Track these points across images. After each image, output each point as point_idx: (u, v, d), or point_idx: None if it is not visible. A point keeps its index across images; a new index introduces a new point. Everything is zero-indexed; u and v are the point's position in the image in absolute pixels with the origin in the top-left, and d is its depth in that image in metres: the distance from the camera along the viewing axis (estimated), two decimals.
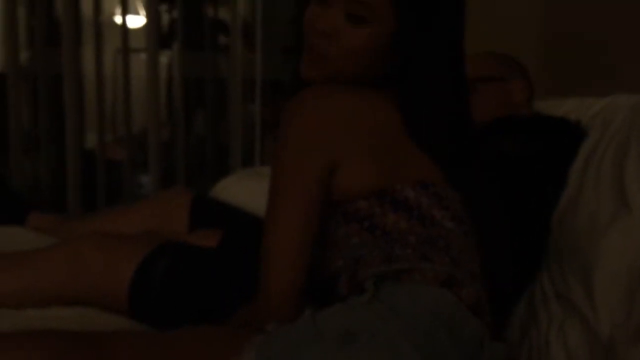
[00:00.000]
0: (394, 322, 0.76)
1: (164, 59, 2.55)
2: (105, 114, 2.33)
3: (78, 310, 1.09)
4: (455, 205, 0.87)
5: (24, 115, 2.25)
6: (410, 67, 0.89)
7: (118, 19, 2.43)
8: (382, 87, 0.90)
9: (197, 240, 1.24)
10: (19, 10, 2.12)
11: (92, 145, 2.38)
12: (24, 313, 1.05)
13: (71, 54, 2.05)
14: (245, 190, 1.57)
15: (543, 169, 1.13)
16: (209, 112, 2.57)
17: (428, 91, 0.90)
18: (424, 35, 0.88)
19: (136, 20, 2.82)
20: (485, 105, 1.32)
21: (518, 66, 1.43)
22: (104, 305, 1.09)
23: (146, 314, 1.07)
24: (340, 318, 0.79)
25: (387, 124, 0.88)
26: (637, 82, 1.35)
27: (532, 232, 1.07)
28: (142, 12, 2.56)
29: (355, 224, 0.86)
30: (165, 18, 2.65)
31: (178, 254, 1.11)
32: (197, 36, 2.51)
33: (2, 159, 2.16)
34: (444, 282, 0.80)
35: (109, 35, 2.39)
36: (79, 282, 1.10)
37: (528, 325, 0.98)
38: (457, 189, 0.89)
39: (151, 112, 2.17)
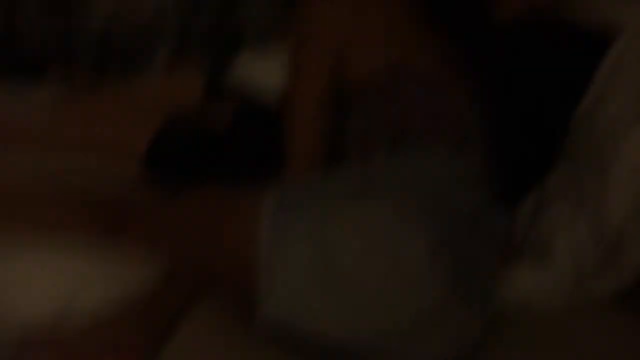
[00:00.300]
0: (407, 179, 0.79)
1: None
2: None
3: (93, 160, 1.11)
4: (467, 83, 0.90)
5: None
6: None
7: None
8: None
9: (212, 111, 1.24)
10: None
11: None
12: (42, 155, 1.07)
13: None
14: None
15: (566, 78, 1.11)
16: None
17: None
18: None
19: None
20: (508, 3, 1.27)
21: None
22: (117, 157, 1.12)
23: (160, 175, 1.10)
24: (353, 173, 0.83)
25: (401, 5, 0.90)
26: None
27: (550, 126, 1.07)
28: None
29: (364, 99, 0.90)
30: None
31: (195, 121, 1.13)
32: None
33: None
34: (454, 149, 0.84)
35: None
36: (101, 135, 1.12)
37: (537, 216, 1.00)
38: (474, 78, 0.90)
39: None
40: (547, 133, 1.09)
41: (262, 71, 1.53)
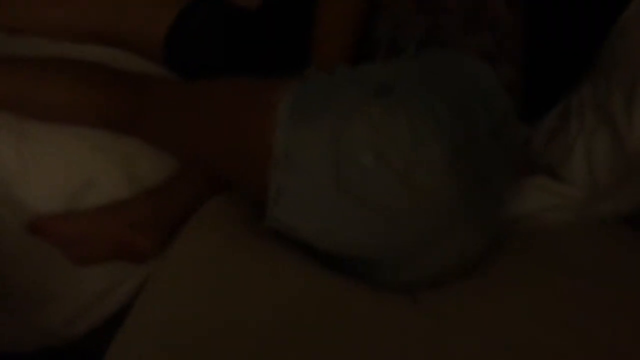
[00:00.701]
0: (431, 81, 0.77)
1: None
2: None
3: (114, 51, 1.09)
4: None
5: None
6: None
7: None
8: None
9: None
10: None
11: None
12: (60, 45, 1.05)
13: None
14: None
15: None
16: None
17: None
18: None
19: None
20: None
21: None
22: (141, 49, 1.09)
23: (180, 62, 1.07)
24: (378, 70, 0.80)
25: None
26: None
27: (588, 33, 1.02)
28: None
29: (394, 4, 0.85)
30: None
31: (218, 8, 1.08)
32: None
33: None
34: (484, 57, 0.80)
35: None
36: (122, 23, 1.08)
37: (557, 130, 0.98)
38: None
39: None
40: (582, 46, 1.04)
41: None
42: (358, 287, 0.76)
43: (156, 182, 0.93)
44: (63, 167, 0.90)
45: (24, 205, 0.87)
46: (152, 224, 0.89)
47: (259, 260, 0.78)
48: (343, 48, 0.86)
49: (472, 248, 0.79)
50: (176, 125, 0.88)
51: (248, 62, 1.04)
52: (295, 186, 0.73)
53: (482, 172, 0.78)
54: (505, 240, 0.87)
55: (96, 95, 0.92)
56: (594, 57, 1.01)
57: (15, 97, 0.93)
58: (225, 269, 0.77)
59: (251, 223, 0.82)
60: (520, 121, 0.83)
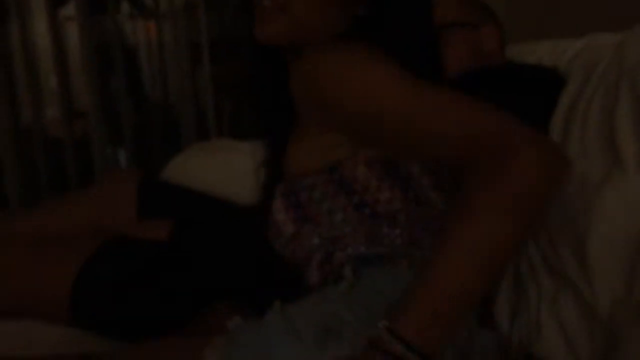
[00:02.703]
0: (378, 314, 0.66)
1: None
2: (41, 88, 2.15)
3: (24, 324, 0.99)
4: (449, 184, 0.79)
5: None
6: (381, 13, 0.80)
7: None
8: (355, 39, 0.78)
9: (146, 232, 1.12)
10: None
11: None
12: None
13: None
14: (199, 168, 1.43)
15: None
16: (156, 80, 2.39)
17: (400, 40, 0.81)
18: None
19: None
20: (455, 54, 1.20)
21: (487, 11, 1.30)
22: (45, 315, 0.98)
23: (91, 321, 0.96)
24: (316, 313, 0.69)
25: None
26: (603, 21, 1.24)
27: None
28: None
29: (344, 197, 0.77)
30: None
31: (123, 253, 0.99)
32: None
33: None
34: None
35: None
36: (14, 293, 0.99)
37: (517, 304, 0.89)
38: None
39: (89, 82, 2.00)
40: None
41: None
42: None
43: None
44: None
45: None
46: None
47: None
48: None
49: None
50: None
51: (167, 303, 0.94)
52: None
53: None
54: None
55: None
56: None
57: None
58: None
59: None
60: (483, 326, 0.74)
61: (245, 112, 2.24)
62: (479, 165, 0.61)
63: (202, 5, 2.11)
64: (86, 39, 1.95)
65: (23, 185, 1.99)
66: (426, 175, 0.77)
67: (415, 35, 0.83)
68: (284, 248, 0.85)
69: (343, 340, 0.64)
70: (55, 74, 2.11)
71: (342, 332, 0.65)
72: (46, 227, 1.23)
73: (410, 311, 0.58)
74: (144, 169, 1.51)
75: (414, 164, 0.77)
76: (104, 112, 2.08)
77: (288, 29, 0.77)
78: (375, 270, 0.71)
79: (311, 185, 0.79)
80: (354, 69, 0.71)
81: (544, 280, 0.86)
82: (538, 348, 0.82)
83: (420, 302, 0.58)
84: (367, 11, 0.79)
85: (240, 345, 0.67)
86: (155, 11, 2.30)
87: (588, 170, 0.85)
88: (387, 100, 0.68)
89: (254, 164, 1.00)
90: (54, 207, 1.33)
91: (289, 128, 0.86)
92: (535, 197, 0.59)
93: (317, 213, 0.79)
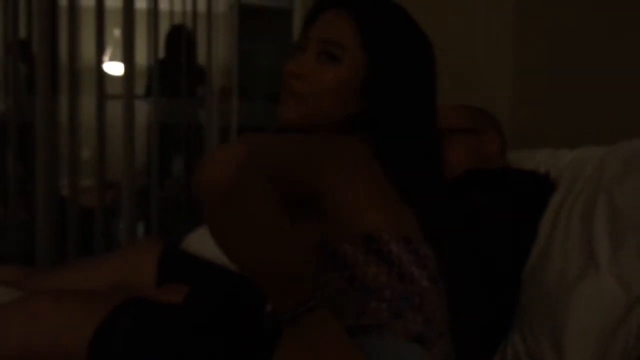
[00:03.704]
0: None
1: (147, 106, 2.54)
2: (79, 160, 2.31)
3: None
4: (431, 263, 0.86)
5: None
6: (380, 111, 0.88)
7: (105, 66, 2.42)
8: (357, 133, 0.89)
9: (164, 295, 1.21)
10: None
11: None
12: None
13: (45, 100, 2.03)
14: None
15: (512, 223, 1.12)
16: (185, 159, 2.55)
17: (400, 139, 0.89)
18: (393, 78, 0.88)
19: (119, 68, 2.82)
20: (457, 157, 1.32)
21: (490, 118, 1.43)
22: None
23: None
24: None
25: (373, 171, 0.87)
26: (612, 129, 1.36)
27: (503, 286, 1.05)
28: None
29: (336, 272, 0.83)
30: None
31: (140, 313, 1.07)
32: (179, 84, 2.53)
33: None
34: (413, 338, 0.79)
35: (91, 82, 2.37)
36: (36, 343, 1.05)
37: None
38: (431, 244, 0.88)
39: (125, 158, 2.15)
40: (501, 288, 1.06)
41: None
42: None
43: None
44: None
45: None
46: None
47: None
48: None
49: None
50: None
51: None
52: None
53: None
54: None
55: None
56: (516, 301, 1.03)
57: None
58: None
59: None
60: None
61: None
62: None
63: (236, 92, 2.29)
64: (129, 118, 2.13)
65: (52, 249, 2.10)
66: (405, 253, 0.83)
67: (412, 136, 0.89)
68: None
69: None
70: (94, 147, 2.27)
71: None
72: (70, 284, 1.33)
73: None
74: (166, 239, 1.62)
75: (392, 243, 0.82)
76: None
77: (303, 117, 0.89)
78: (362, 339, 0.77)
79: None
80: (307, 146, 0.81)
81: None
82: None
83: None
84: (367, 113, 0.88)
85: None
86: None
87: (567, 269, 0.94)
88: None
89: None
90: (80, 266, 1.43)
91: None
92: None
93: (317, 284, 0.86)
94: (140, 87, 2.36)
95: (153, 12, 2.34)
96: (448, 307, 0.86)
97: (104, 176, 2.27)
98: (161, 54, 2.58)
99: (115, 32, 2.88)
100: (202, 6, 2.42)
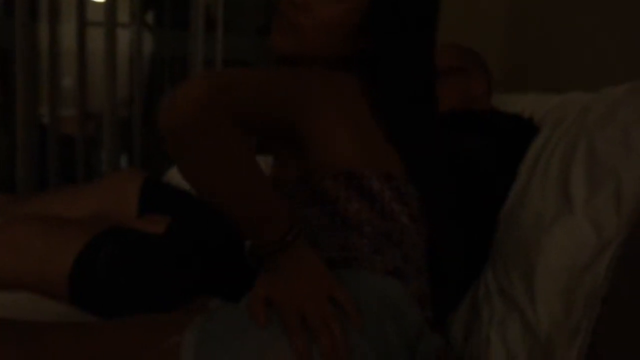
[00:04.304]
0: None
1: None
2: (60, 88, 2.26)
3: (22, 296, 1.06)
4: (414, 202, 0.87)
5: None
6: (380, 50, 0.87)
7: None
8: (350, 71, 0.88)
9: (145, 226, 1.21)
10: None
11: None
12: None
13: (23, 26, 1.97)
14: None
15: (493, 164, 1.13)
16: (168, 91, 2.51)
17: (397, 78, 0.88)
18: (395, 18, 0.86)
19: None
20: (445, 97, 1.32)
21: (479, 59, 1.42)
22: (45, 292, 1.07)
23: (87, 301, 1.04)
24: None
25: (358, 109, 0.86)
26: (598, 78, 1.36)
27: (481, 226, 1.07)
28: None
29: (318, 207, 0.84)
30: None
31: (122, 241, 1.09)
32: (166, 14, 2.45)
33: None
34: (391, 272, 0.80)
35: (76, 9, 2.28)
36: (18, 268, 1.07)
37: (471, 322, 0.98)
38: (415, 183, 0.89)
39: (106, 87, 2.11)
40: (478, 227, 1.08)
41: None
42: None
43: None
44: None
45: None
46: None
47: None
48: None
49: None
50: None
51: (158, 291, 1.03)
52: None
53: None
54: None
55: None
56: (491, 240, 1.05)
57: None
58: None
59: None
60: (433, 331, 0.82)
61: None
62: None
63: (221, 23, 2.23)
64: (111, 46, 2.07)
65: (33, 176, 2.09)
66: (387, 190, 0.84)
67: (411, 76, 0.89)
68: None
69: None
70: (74, 76, 2.22)
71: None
72: (52, 211, 1.33)
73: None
74: (148, 170, 1.61)
75: (373, 179, 0.83)
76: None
77: (298, 48, 0.87)
78: (342, 272, 0.79)
79: (290, 194, 0.87)
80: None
81: (496, 303, 0.96)
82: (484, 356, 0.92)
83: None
84: (369, 46, 0.87)
85: (217, 321, 0.75)
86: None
87: (543, 210, 0.96)
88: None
89: None
90: (62, 194, 1.43)
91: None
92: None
93: (295, 219, 0.88)
94: (124, 15, 2.29)
95: None
96: (427, 246, 0.88)
97: (86, 105, 2.23)
98: None
99: None
100: None
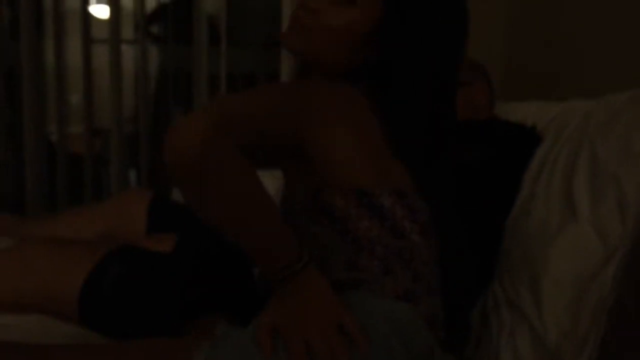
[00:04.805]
0: None
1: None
2: (68, 106, 2.29)
3: (32, 318, 1.07)
4: (423, 217, 0.86)
5: None
6: (389, 62, 0.86)
7: (92, 9, 2.36)
8: (357, 83, 0.87)
9: (153, 244, 1.22)
10: None
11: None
12: None
13: (30, 45, 2.00)
14: None
15: (497, 174, 1.13)
16: (173, 107, 2.53)
17: (405, 93, 0.87)
18: (407, 30, 0.86)
19: (105, 11, 2.74)
20: None
21: (481, 69, 1.43)
22: (54, 312, 1.07)
23: (97, 321, 1.05)
24: None
25: (366, 123, 0.85)
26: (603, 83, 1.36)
27: (487, 238, 1.07)
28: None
29: (327, 225, 0.84)
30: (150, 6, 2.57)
31: (130, 261, 1.09)
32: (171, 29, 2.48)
33: None
34: (401, 296, 0.80)
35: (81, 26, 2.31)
36: (29, 289, 1.08)
37: (481, 334, 0.98)
38: (424, 197, 0.88)
39: (113, 103, 2.13)
40: (484, 239, 1.08)
41: None
42: None
43: None
44: None
45: None
46: None
47: None
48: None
49: None
50: None
51: (166, 309, 1.04)
52: None
53: None
54: None
55: None
56: (498, 251, 1.05)
57: None
58: None
59: None
60: (445, 351, 0.82)
61: None
62: None
63: (224, 38, 2.24)
64: (116, 63, 2.09)
65: (42, 194, 2.11)
66: (398, 207, 0.83)
67: (421, 91, 0.86)
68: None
69: None
70: (81, 93, 2.25)
71: None
72: (60, 233, 1.35)
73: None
74: (156, 189, 1.62)
75: (384, 196, 0.82)
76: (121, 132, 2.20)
77: (305, 48, 0.88)
78: (348, 292, 0.79)
79: (300, 211, 0.87)
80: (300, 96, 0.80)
81: (505, 314, 0.96)
82: None
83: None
84: (377, 58, 0.86)
85: (224, 349, 0.75)
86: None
87: (548, 219, 0.96)
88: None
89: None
90: (70, 215, 1.44)
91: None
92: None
93: (304, 236, 0.84)
94: (128, 32, 2.31)
95: None
96: (438, 261, 0.87)
97: (92, 122, 2.26)
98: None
99: None
100: None
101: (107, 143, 2.27)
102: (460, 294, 0.90)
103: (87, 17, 2.19)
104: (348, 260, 0.82)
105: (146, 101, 2.34)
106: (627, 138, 0.90)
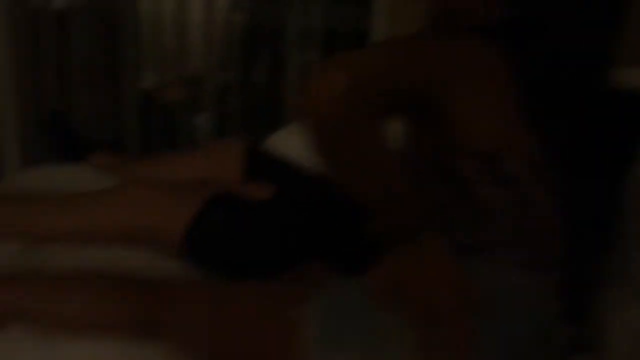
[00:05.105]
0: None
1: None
2: (165, 53, 2.34)
3: (140, 251, 1.12)
4: (553, 188, 0.82)
5: (84, 53, 2.27)
6: (535, 20, 0.82)
7: None
8: (493, 42, 0.81)
9: (250, 193, 1.24)
10: None
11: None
12: (86, 252, 1.08)
13: None
14: (298, 144, 1.54)
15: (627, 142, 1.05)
16: (266, 60, 2.54)
17: (550, 60, 0.81)
18: None
19: None
20: None
21: None
22: (160, 246, 1.12)
23: (201, 259, 1.09)
24: None
25: (499, 86, 0.80)
26: None
27: (610, 208, 1.01)
28: None
29: (451, 186, 0.82)
30: None
31: (232, 207, 1.12)
32: None
33: (62, 96, 2.20)
34: (524, 265, 0.78)
35: None
36: (138, 225, 1.12)
37: (595, 305, 0.94)
38: (557, 168, 0.83)
39: (204, 52, 2.16)
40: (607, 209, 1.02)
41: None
42: None
43: None
44: None
45: None
46: None
47: None
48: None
49: None
50: (197, 335, 0.87)
51: (271, 255, 1.07)
52: None
53: None
54: None
55: (120, 307, 0.92)
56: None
57: (38, 309, 0.94)
58: None
59: None
60: (569, 321, 0.80)
61: None
62: None
63: None
64: (208, 11, 2.11)
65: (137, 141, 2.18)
66: (526, 176, 0.79)
67: (568, 59, 0.81)
68: None
69: None
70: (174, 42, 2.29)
71: None
72: (162, 175, 1.39)
73: None
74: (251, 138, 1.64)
75: (512, 164, 0.79)
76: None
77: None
78: (472, 261, 0.77)
79: (423, 171, 0.85)
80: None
81: (620, 285, 0.90)
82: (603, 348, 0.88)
83: None
84: (516, 12, 0.82)
85: (340, 300, 0.76)
86: None
87: None
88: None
89: None
90: (170, 160, 1.48)
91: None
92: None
93: (426, 197, 0.82)
94: None
95: None
96: (565, 233, 0.84)
97: (185, 70, 2.30)
98: None
99: None
100: None
101: (200, 91, 2.31)
102: (585, 267, 0.86)
103: None
104: (470, 225, 0.81)
105: (236, 51, 2.35)
106: None
